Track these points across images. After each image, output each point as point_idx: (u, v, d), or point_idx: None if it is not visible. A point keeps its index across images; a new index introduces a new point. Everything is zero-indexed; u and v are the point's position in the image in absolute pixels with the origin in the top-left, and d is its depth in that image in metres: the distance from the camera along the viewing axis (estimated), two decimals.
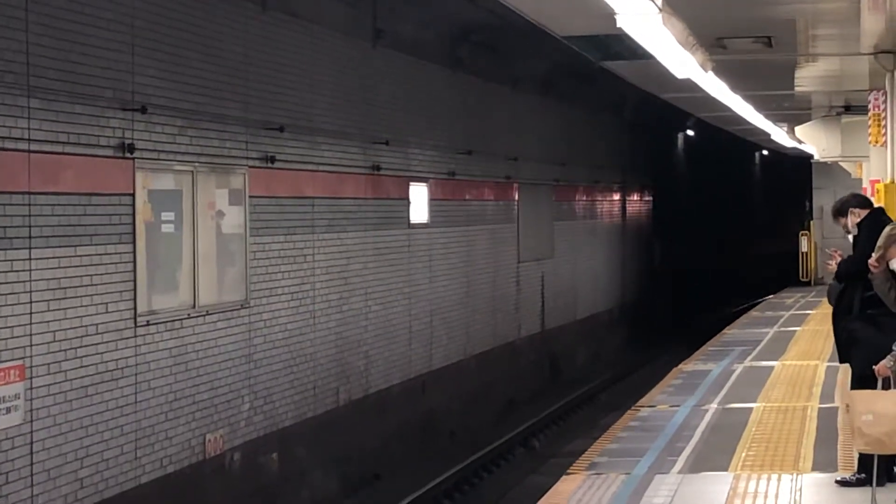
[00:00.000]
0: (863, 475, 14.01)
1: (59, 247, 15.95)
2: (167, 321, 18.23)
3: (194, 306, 18.99)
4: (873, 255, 13.46)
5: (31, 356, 15.49)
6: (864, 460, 13.92)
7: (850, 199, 15.10)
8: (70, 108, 16.18)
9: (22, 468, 15.37)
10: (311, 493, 22.29)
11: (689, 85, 21.52)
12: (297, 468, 21.75)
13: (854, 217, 14.37)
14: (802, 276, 47.51)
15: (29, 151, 15.41)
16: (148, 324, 17.66)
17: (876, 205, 15.16)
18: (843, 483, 14.39)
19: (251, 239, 20.65)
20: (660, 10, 13.09)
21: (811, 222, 48.08)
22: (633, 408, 20.90)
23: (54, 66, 15.85)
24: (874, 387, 13.42)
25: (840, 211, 14.62)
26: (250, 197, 20.55)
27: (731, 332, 32.45)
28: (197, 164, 19.08)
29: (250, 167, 20.55)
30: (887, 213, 14.96)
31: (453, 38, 30.25)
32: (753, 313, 38.30)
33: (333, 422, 23.38)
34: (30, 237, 15.45)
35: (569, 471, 16.24)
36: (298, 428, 22.03)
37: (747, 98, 26.39)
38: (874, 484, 13.66)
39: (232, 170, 20.23)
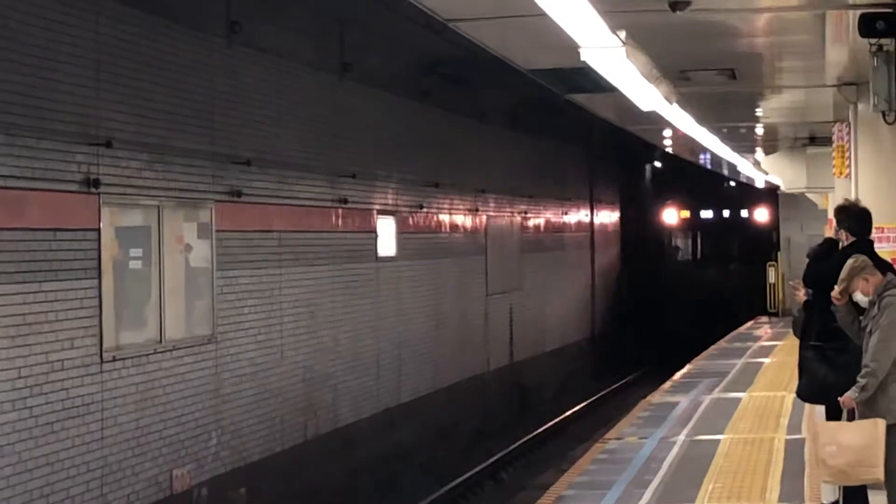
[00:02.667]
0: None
1: (24, 282, 15.95)
2: (134, 356, 18.22)
3: (161, 341, 18.97)
4: (836, 287, 13.47)
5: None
6: (847, 490, 13.92)
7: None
8: (35, 143, 16.20)
9: None
10: None
11: (654, 117, 21.58)
12: (266, 503, 21.68)
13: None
14: (770, 307, 47.73)
15: None
16: (114, 359, 17.66)
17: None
18: None
19: (218, 273, 20.64)
20: (623, 43, 13.13)
21: (779, 253, 48.25)
22: (600, 440, 20.94)
23: (18, 102, 15.86)
24: (839, 418, 13.49)
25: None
26: (217, 231, 20.56)
27: (699, 364, 32.52)
28: (163, 198, 19.07)
29: (217, 201, 20.55)
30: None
31: (420, 70, 30.48)
32: (722, 344, 38.39)
33: (302, 456, 23.34)
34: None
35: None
36: (267, 462, 21.99)
37: (713, 130, 26.45)
38: None
39: (199, 204, 20.24)
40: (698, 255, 63.29)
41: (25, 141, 16.14)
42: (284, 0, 22.72)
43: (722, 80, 18.52)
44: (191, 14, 20.03)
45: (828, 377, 13.99)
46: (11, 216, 15.79)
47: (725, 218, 62.74)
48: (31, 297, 16.18)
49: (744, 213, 62.17)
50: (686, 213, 61.86)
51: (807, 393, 14.67)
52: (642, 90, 16.08)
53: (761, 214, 60.47)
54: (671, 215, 62.42)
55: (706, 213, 62.99)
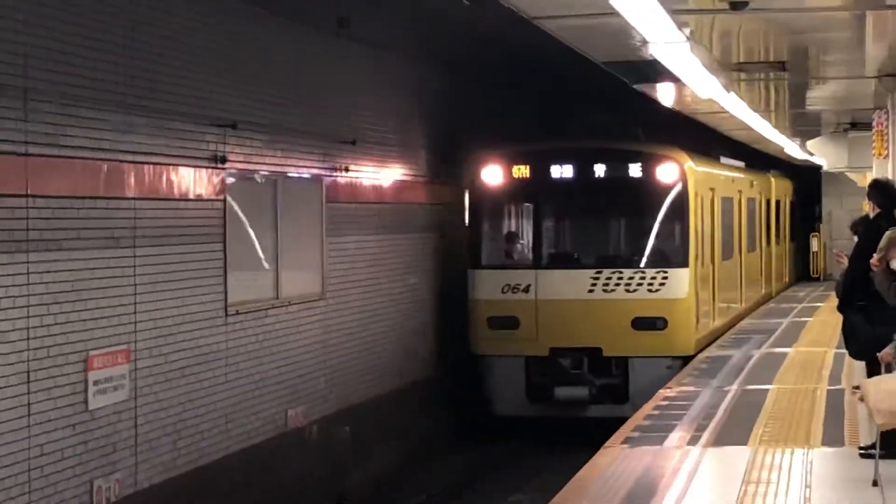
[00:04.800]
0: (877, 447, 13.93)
1: (161, 245, 16.13)
2: (254, 311, 18.38)
3: (277, 297, 19.15)
4: (875, 255, 13.52)
5: (135, 342, 15.70)
6: (884, 434, 13.86)
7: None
8: (176, 124, 16.58)
9: (127, 438, 15.53)
10: (377, 461, 22.39)
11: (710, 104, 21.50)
12: (366, 440, 21.83)
13: None
14: (813, 273, 47.18)
15: (134, 163, 15.60)
16: (237, 313, 17.81)
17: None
18: (864, 454, 14.27)
19: (327, 239, 20.80)
20: (687, 39, 13.15)
21: (821, 225, 47.66)
22: (664, 387, 20.96)
23: (163, 89, 16.16)
24: (880, 373, 13.49)
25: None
26: (327, 202, 20.72)
27: (750, 322, 32.36)
28: (279, 173, 19.30)
29: (326, 177, 20.76)
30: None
31: None
32: (770, 304, 38.11)
33: (397, 400, 23.55)
34: (134, 237, 15.67)
35: (605, 445, 16.29)
36: (366, 405, 22.19)
37: (764, 115, 26.31)
38: (877, 456, 13.70)
39: (317, 180, 20.56)
40: (543, 255, 26.52)
41: (168, 123, 16.35)
42: None
43: (774, 72, 18.43)
44: None
45: (871, 333, 14.00)
46: (155, 188, 16.04)
47: (599, 180, 26.10)
48: (167, 259, 16.36)
49: (634, 170, 25.67)
50: (522, 171, 26.22)
51: (855, 349, 14.70)
52: (703, 81, 16.05)
53: (667, 173, 25.57)
54: (494, 175, 26.25)
55: (561, 172, 26.03)
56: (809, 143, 34.98)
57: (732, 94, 18.54)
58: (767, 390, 20.30)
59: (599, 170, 25.31)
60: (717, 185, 29.35)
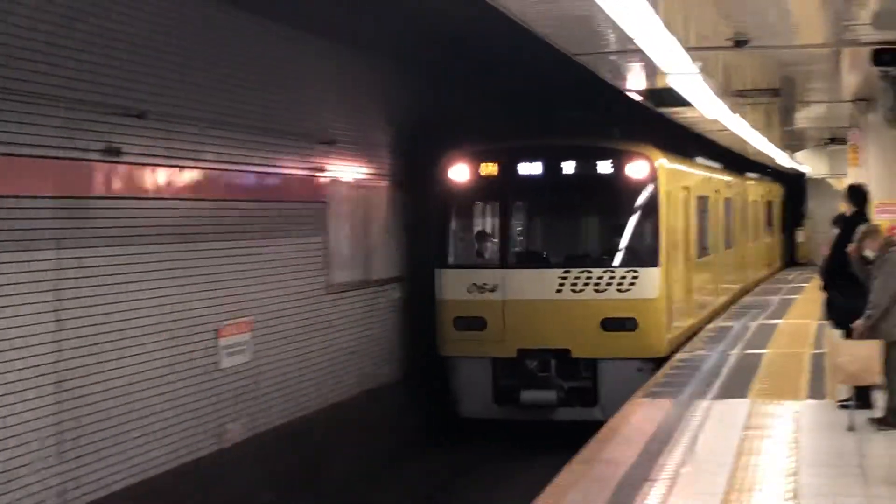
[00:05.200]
0: (854, 402, 13.94)
1: (274, 237, 16.29)
2: (349, 290, 18.46)
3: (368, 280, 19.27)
4: (851, 245, 13.69)
5: (255, 315, 15.81)
6: (857, 389, 13.86)
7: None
8: (289, 142, 16.74)
9: (249, 392, 15.68)
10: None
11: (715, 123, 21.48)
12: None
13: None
14: (799, 259, 47.06)
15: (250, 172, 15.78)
16: (336, 292, 17.89)
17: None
18: (842, 405, 14.15)
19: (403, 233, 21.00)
20: (699, 71, 13.10)
21: (805, 221, 47.54)
22: (681, 351, 21.00)
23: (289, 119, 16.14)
24: (852, 339, 13.49)
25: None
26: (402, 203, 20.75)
27: (747, 299, 32.25)
28: (364, 181, 19.50)
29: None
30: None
31: None
32: (764, 285, 37.96)
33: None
34: (259, 231, 15.88)
35: (632, 398, 16.30)
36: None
37: (762, 132, 26.22)
38: (852, 407, 13.69)
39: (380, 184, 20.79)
40: (510, 254, 21.18)
41: (284, 140, 16.55)
42: None
43: (768, 98, 18.37)
44: None
45: (846, 306, 14.00)
46: (276, 193, 16.31)
47: (568, 178, 20.65)
48: (280, 248, 16.51)
49: (604, 167, 20.37)
50: (491, 169, 20.85)
51: (835, 321, 14.67)
52: (712, 105, 16.01)
53: (638, 170, 20.53)
54: (461, 173, 20.98)
55: (529, 169, 20.72)
56: (797, 154, 34.83)
57: (737, 115, 18.46)
58: (763, 354, 20.26)
59: (568, 167, 20.18)
60: (693, 184, 24.12)
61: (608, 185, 20.12)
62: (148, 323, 13.26)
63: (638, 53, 11.51)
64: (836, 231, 15.17)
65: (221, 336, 14.88)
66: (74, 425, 12.01)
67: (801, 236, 47.48)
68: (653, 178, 19.96)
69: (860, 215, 14.73)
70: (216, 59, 14.86)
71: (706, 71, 13.58)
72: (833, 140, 28.82)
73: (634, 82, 15.54)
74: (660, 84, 14.56)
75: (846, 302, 14.07)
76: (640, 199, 20.09)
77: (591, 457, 12.56)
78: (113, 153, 12.38)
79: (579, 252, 21.01)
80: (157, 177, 13.41)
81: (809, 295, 30.34)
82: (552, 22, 10.20)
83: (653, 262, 19.83)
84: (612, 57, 12.89)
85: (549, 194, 20.81)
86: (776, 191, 43.97)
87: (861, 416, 13.60)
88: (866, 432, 13.18)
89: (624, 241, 20.22)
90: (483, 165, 20.35)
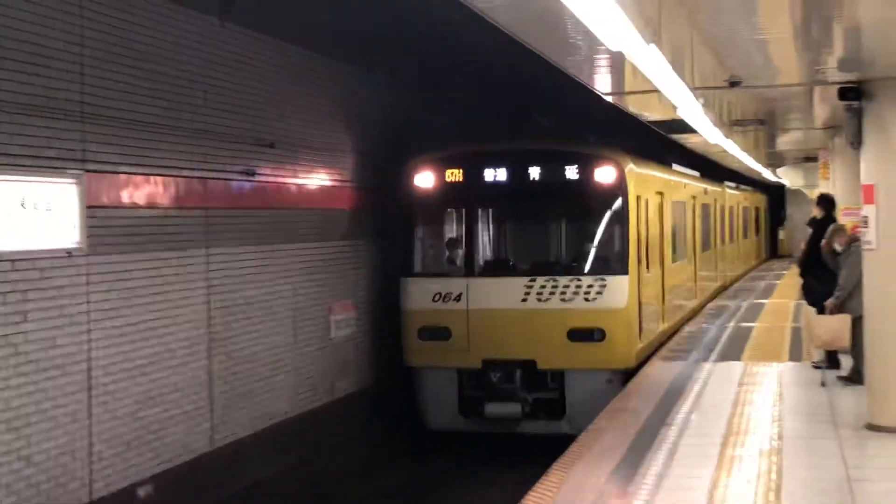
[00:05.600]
0: (825, 363, 14.02)
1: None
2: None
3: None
4: (824, 240, 13.80)
5: (358, 300, 15.88)
6: (829, 353, 14.05)
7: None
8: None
9: (357, 358, 15.82)
10: None
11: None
12: None
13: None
14: (780, 252, 46.81)
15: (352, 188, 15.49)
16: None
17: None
18: (816, 366, 14.25)
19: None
20: (703, 105, 13.15)
21: (785, 223, 47.30)
22: (689, 323, 20.84)
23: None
24: (824, 314, 13.56)
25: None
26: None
27: (739, 284, 32.09)
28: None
29: None
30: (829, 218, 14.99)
31: None
32: (752, 272, 37.74)
33: None
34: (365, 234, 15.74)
35: (652, 359, 16.29)
36: None
37: (750, 153, 26.08)
38: (824, 367, 13.79)
39: None
40: (475, 262, 16.40)
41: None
42: None
43: (757, 127, 18.30)
44: None
45: (820, 290, 14.04)
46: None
47: (534, 183, 16.18)
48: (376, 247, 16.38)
49: (571, 171, 15.94)
50: (456, 175, 16.39)
51: (811, 300, 14.72)
52: (712, 132, 16.01)
53: (605, 175, 15.97)
54: (426, 179, 16.44)
55: (495, 175, 16.24)
56: (778, 170, 34.62)
57: (731, 140, 18.44)
58: (753, 326, 20.16)
59: (534, 172, 15.82)
60: (667, 190, 19.49)
61: (575, 190, 15.89)
62: (281, 305, 13.50)
63: (656, 93, 11.60)
64: (810, 230, 15.24)
65: (331, 314, 15.01)
66: (222, 383, 12.23)
67: (782, 234, 47.27)
68: (621, 183, 15.80)
69: (829, 218, 14.74)
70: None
71: (707, 105, 13.56)
72: (807, 159, 28.56)
73: (652, 115, 15.49)
74: (671, 116, 14.55)
75: (819, 286, 14.07)
76: (608, 205, 15.90)
77: (619, 407, 12.61)
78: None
79: (545, 260, 16.55)
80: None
81: (789, 280, 30.13)
82: (588, 69, 10.23)
83: (621, 269, 15.56)
84: (635, 96, 12.94)
85: (515, 200, 16.42)
86: (761, 199, 43.67)
87: (831, 374, 13.68)
88: (835, 388, 13.22)
89: (591, 249, 16.01)
90: (448, 171, 16.15)
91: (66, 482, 9.63)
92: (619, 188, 15.77)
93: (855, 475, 9.26)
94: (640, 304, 16.12)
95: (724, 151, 21.83)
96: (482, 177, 16.06)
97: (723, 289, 29.09)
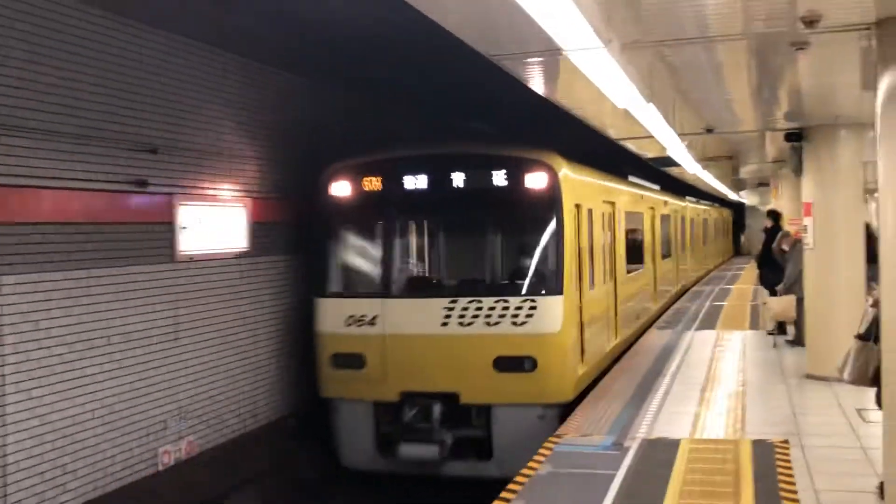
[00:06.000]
0: (776, 331, 13.93)
1: None
2: None
3: None
4: (774, 244, 13.75)
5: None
6: (778, 324, 13.85)
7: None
8: None
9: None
10: None
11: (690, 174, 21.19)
12: None
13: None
14: (742, 252, 46.28)
15: None
16: None
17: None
18: (770, 333, 14.11)
19: None
20: (686, 147, 13.09)
21: (745, 231, 46.81)
22: (676, 303, 20.46)
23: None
24: (776, 295, 13.48)
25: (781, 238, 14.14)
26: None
27: (712, 273, 31.78)
28: None
29: None
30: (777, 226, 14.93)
31: None
32: (722, 266, 37.20)
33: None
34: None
35: (653, 327, 15.94)
36: None
37: (721, 180, 25.80)
38: (775, 334, 13.63)
39: None
40: (392, 280, 9.85)
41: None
42: None
43: (725, 161, 18.16)
44: None
45: (772, 278, 13.97)
46: None
47: (458, 192, 9.67)
48: None
49: (498, 178, 9.46)
50: (373, 183, 9.75)
51: (766, 286, 14.63)
52: (693, 165, 15.92)
53: (536, 180, 9.55)
54: (342, 188, 9.85)
55: (415, 183, 9.62)
56: (741, 192, 34.16)
57: (706, 171, 18.26)
58: (723, 305, 19.89)
59: (458, 179, 10.38)
60: (620, 200, 14.05)
61: (503, 199, 10.38)
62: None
63: (651, 138, 11.62)
64: (763, 235, 15.21)
65: None
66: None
67: (743, 239, 46.88)
68: (554, 190, 10.25)
69: (777, 227, 14.80)
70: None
71: (690, 146, 13.56)
72: (761, 184, 28.18)
73: (649, 152, 15.46)
74: (662, 154, 14.49)
75: (771, 275, 14.04)
76: (540, 215, 10.37)
77: (625, 365, 12.44)
78: None
79: (470, 277, 10.66)
80: None
81: (749, 273, 29.78)
82: (597, 115, 9.90)
83: (554, 288, 10.03)
84: (638, 140, 12.96)
85: (437, 211, 10.89)
86: (728, 213, 43.32)
87: (780, 339, 13.56)
88: (783, 348, 13.07)
89: (521, 265, 10.55)
90: (365, 179, 10.73)
91: None
92: (552, 196, 10.24)
93: (798, 410, 9.20)
94: (580, 325, 10.72)
95: (699, 178, 21.64)
96: (401, 185, 10.55)
97: (697, 281, 26.90)
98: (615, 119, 10.10)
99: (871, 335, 6.22)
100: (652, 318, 16.73)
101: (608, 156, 14.78)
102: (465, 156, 10.61)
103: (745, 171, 22.26)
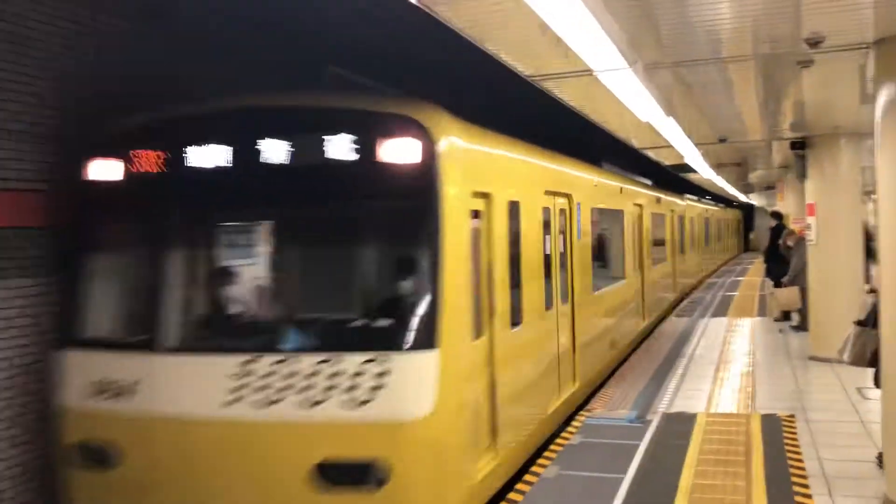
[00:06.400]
0: (782, 318, 13.77)
1: None
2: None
3: None
4: (780, 240, 13.57)
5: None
6: (783, 312, 13.69)
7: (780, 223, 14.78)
8: None
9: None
10: None
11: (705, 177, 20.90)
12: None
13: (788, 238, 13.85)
14: (751, 248, 45.69)
15: None
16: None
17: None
18: (776, 320, 14.01)
19: None
20: (703, 155, 13.00)
21: (754, 230, 46.18)
22: (691, 293, 20.30)
23: None
24: (782, 286, 13.33)
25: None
26: None
27: (726, 266, 31.33)
28: None
29: None
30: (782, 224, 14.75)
31: None
32: (734, 260, 36.59)
33: None
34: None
35: (669, 317, 15.82)
36: None
37: (732, 185, 25.43)
38: (781, 321, 13.48)
39: None
40: (161, 323, 3.12)
41: None
42: None
43: (735, 167, 17.96)
44: None
45: (777, 271, 13.83)
46: None
47: (274, 172, 2.80)
48: None
49: (335, 146, 2.66)
50: (147, 161, 2.95)
51: (772, 278, 14.49)
52: (707, 171, 15.78)
53: (397, 150, 2.67)
54: (104, 171, 3.04)
55: (205, 157, 2.63)
56: (750, 195, 33.70)
57: (720, 176, 18.09)
58: (734, 295, 19.70)
59: (270, 151, 3.64)
60: (578, 193, 7.94)
61: (339, 184, 4.40)
62: None
63: (670, 147, 11.57)
64: (769, 233, 15.04)
65: None
66: None
67: (752, 236, 46.33)
68: (427, 167, 4.30)
69: (780, 225, 14.63)
70: None
71: (705, 154, 13.49)
72: (768, 187, 27.82)
73: (668, 161, 15.37)
74: (681, 161, 14.41)
75: (778, 268, 13.89)
76: (401, 210, 4.42)
77: (647, 347, 12.38)
78: None
79: (281, 318, 4.79)
80: None
81: (757, 266, 29.39)
82: (626, 130, 10.20)
83: (423, 338, 4.14)
84: (657, 149, 12.88)
85: (237, 204, 4.75)
86: (738, 213, 42.95)
87: (786, 325, 13.43)
88: (789, 333, 12.92)
89: (366, 298, 4.81)
90: (136, 156, 4.82)
91: None
92: (424, 176, 4.61)
93: (802, 388, 9.12)
94: (490, 389, 5.39)
95: (713, 183, 21.38)
96: (186, 162, 4.99)
97: (700, 283, 22.51)
98: (638, 131, 10.16)
99: (868, 321, 6.13)
100: (637, 340, 11.66)
101: (584, 142, 10.17)
102: (285, 111, 4.89)
103: (754, 176, 21.99)
